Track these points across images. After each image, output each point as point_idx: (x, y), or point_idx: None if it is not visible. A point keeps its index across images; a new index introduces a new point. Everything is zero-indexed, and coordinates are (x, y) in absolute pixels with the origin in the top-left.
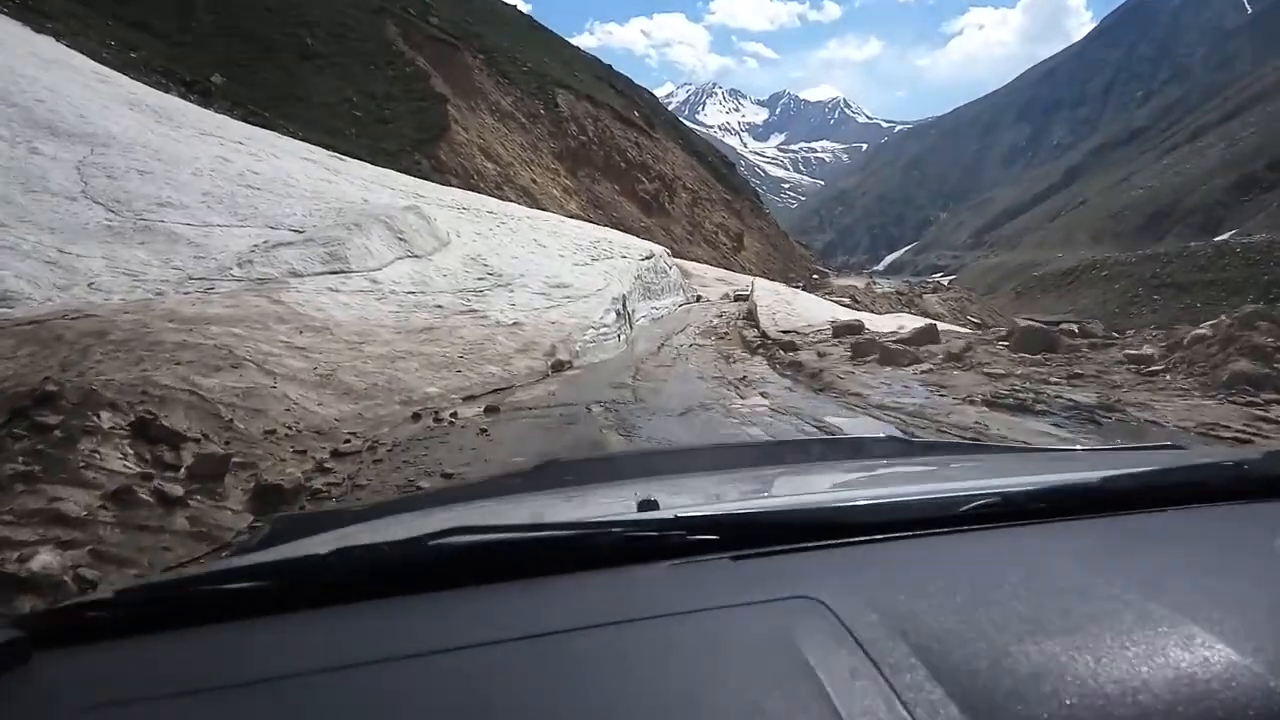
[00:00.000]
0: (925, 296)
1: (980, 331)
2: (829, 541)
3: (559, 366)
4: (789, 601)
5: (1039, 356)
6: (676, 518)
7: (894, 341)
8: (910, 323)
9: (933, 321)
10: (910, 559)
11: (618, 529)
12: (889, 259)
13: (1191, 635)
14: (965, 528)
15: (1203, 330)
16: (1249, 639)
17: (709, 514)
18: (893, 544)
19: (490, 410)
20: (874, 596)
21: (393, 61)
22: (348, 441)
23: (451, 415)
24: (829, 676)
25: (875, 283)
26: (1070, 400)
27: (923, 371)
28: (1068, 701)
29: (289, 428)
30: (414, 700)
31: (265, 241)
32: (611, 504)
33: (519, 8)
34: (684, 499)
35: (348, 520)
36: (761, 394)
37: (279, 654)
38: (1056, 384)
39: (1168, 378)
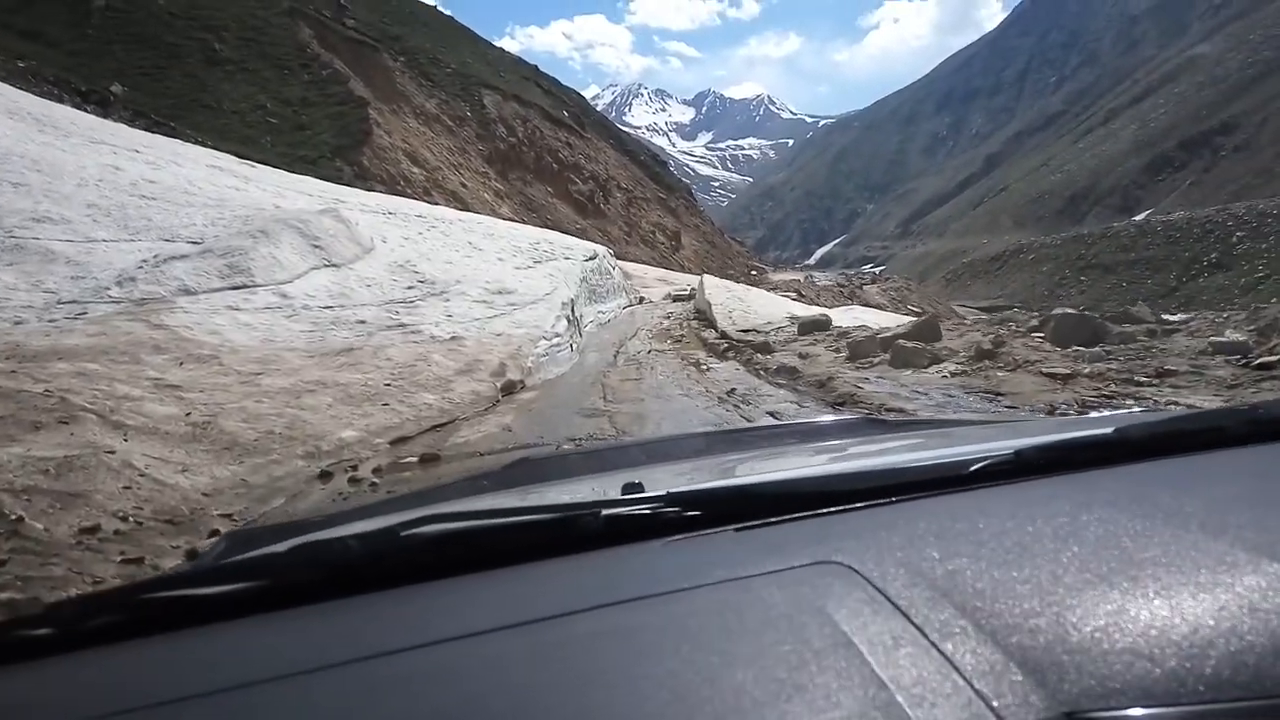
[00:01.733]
0: (865, 288)
1: (1000, 325)
2: (843, 507)
3: (510, 389)
4: (810, 568)
5: (1096, 350)
6: (669, 494)
7: (896, 338)
8: (869, 315)
9: (932, 315)
10: (934, 518)
11: (605, 509)
12: (820, 252)
13: (1254, 565)
14: (986, 484)
15: None
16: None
17: (704, 488)
18: (912, 504)
19: (427, 461)
20: (903, 557)
21: (308, 65)
22: (215, 534)
23: (375, 471)
24: (869, 646)
25: (813, 276)
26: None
27: (954, 374)
28: (1146, 650)
29: (124, 518)
30: (390, 703)
31: (156, 256)
32: (592, 493)
33: (438, 9)
34: (671, 481)
35: (311, 528)
36: (770, 414)
37: (235, 662)
38: (1152, 385)
39: None
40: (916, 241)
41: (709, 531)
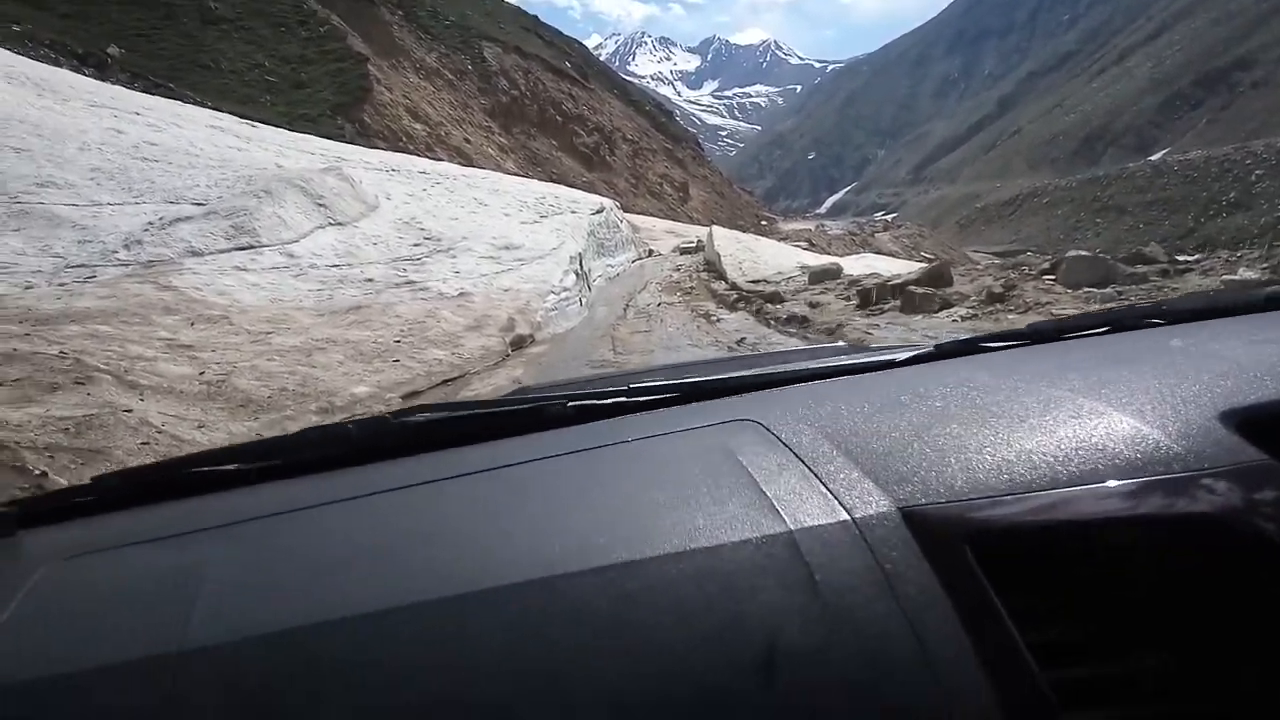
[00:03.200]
0: (878, 235)
1: (1012, 269)
2: (766, 386)
3: (519, 343)
4: (725, 424)
5: (1108, 290)
6: (629, 387)
7: (906, 284)
8: (881, 263)
9: (943, 261)
10: (840, 394)
11: (572, 400)
12: (830, 200)
13: (1094, 411)
14: (899, 368)
15: None
16: (1146, 415)
17: (657, 384)
18: (829, 382)
19: None
20: (804, 414)
21: (305, 21)
22: None
23: None
24: (757, 470)
25: (824, 225)
26: None
27: (965, 318)
28: (969, 464)
29: None
30: (382, 524)
31: (161, 218)
32: None
33: None
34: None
35: None
36: None
37: (249, 506)
38: None
39: None
40: (929, 187)
41: (659, 410)
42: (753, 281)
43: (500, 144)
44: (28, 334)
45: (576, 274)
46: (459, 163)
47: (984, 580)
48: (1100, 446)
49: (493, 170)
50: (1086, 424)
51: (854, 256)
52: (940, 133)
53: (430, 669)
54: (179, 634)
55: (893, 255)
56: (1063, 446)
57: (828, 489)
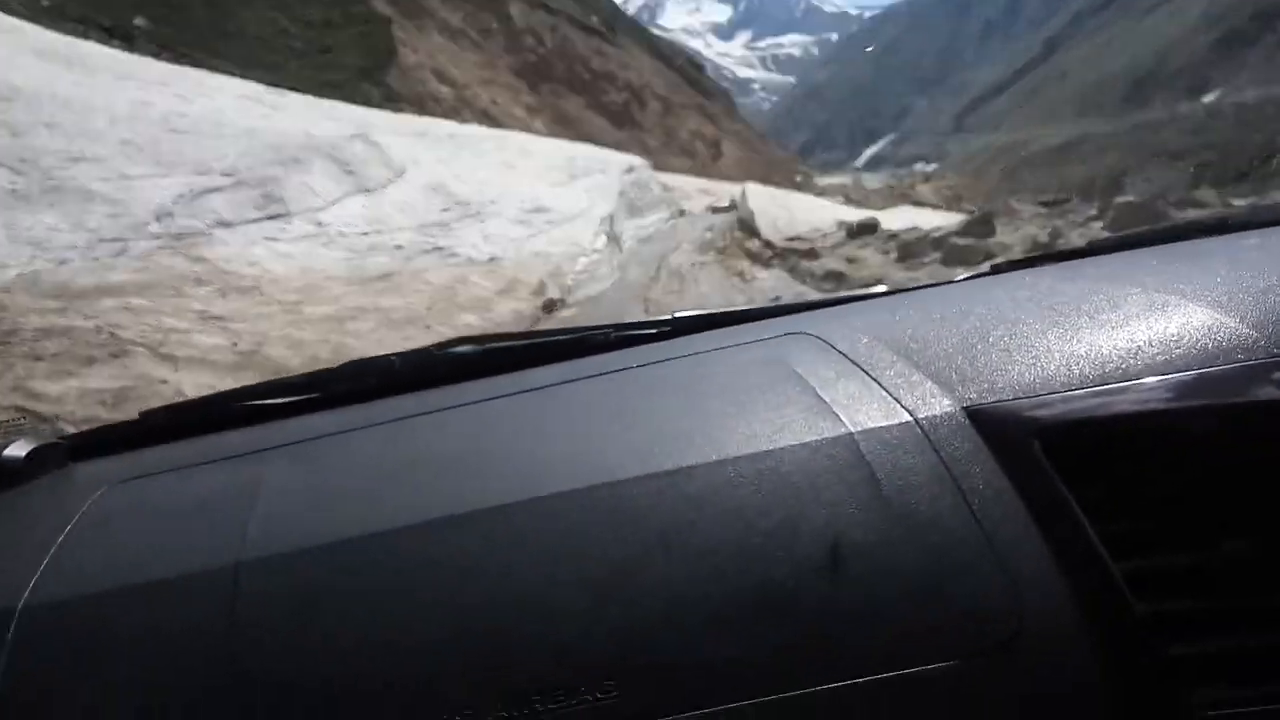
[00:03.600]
0: (918, 187)
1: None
2: (823, 305)
3: (551, 307)
4: (780, 338)
5: None
6: (674, 317)
7: (948, 236)
8: (921, 216)
9: (987, 210)
10: (901, 305)
11: (616, 331)
12: (868, 153)
13: (1167, 305)
14: (958, 283)
15: None
16: (1223, 305)
17: (705, 313)
18: (885, 298)
19: None
20: (860, 326)
21: None
22: None
23: None
24: (814, 378)
25: (861, 178)
26: None
27: None
28: (1033, 363)
29: None
30: (434, 441)
31: (190, 190)
32: None
33: None
34: None
35: None
36: None
37: (299, 430)
38: None
39: None
40: (971, 136)
41: (703, 333)
42: (788, 239)
43: (528, 104)
44: (64, 309)
45: (608, 235)
46: (487, 125)
47: (1054, 474)
48: (1175, 337)
49: (521, 131)
50: (1159, 317)
51: (893, 210)
52: (983, 79)
53: (488, 574)
54: (237, 547)
55: (933, 207)
56: (1135, 339)
57: (888, 392)
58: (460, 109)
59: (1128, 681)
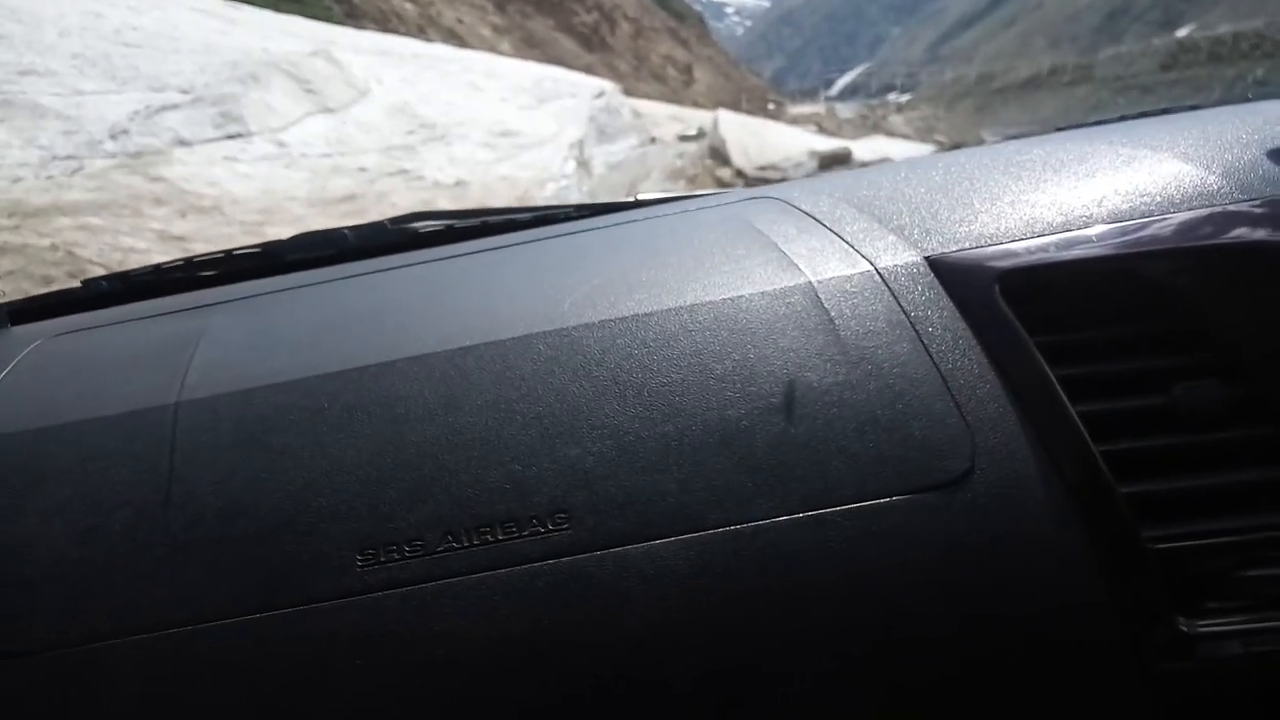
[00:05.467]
0: (890, 118)
1: None
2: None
3: None
4: (746, 202)
5: None
6: (637, 199)
7: None
8: (893, 146)
9: (958, 142)
10: (867, 171)
11: (579, 208)
12: (842, 82)
13: (1134, 157)
14: (926, 156)
15: None
16: (1189, 156)
17: (670, 195)
18: (851, 170)
19: None
20: (826, 189)
21: None
22: None
23: None
24: (776, 235)
25: (834, 108)
26: None
27: None
28: (1005, 217)
29: None
30: (384, 293)
31: (147, 107)
32: None
33: None
34: None
35: None
36: None
37: (247, 290)
38: None
39: None
40: (945, 67)
41: (668, 203)
42: (759, 167)
43: (494, 24)
44: (18, 226)
45: (577, 161)
46: (453, 44)
47: (1013, 318)
48: (1140, 187)
49: (487, 52)
50: (1125, 168)
51: (865, 140)
52: (958, 8)
53: (438, 413)
54: (176, 389)
55: (905, 138)
56: (1099, 189)
57: (849, 245)
58: (425, 27)
59: (1082, 518)
